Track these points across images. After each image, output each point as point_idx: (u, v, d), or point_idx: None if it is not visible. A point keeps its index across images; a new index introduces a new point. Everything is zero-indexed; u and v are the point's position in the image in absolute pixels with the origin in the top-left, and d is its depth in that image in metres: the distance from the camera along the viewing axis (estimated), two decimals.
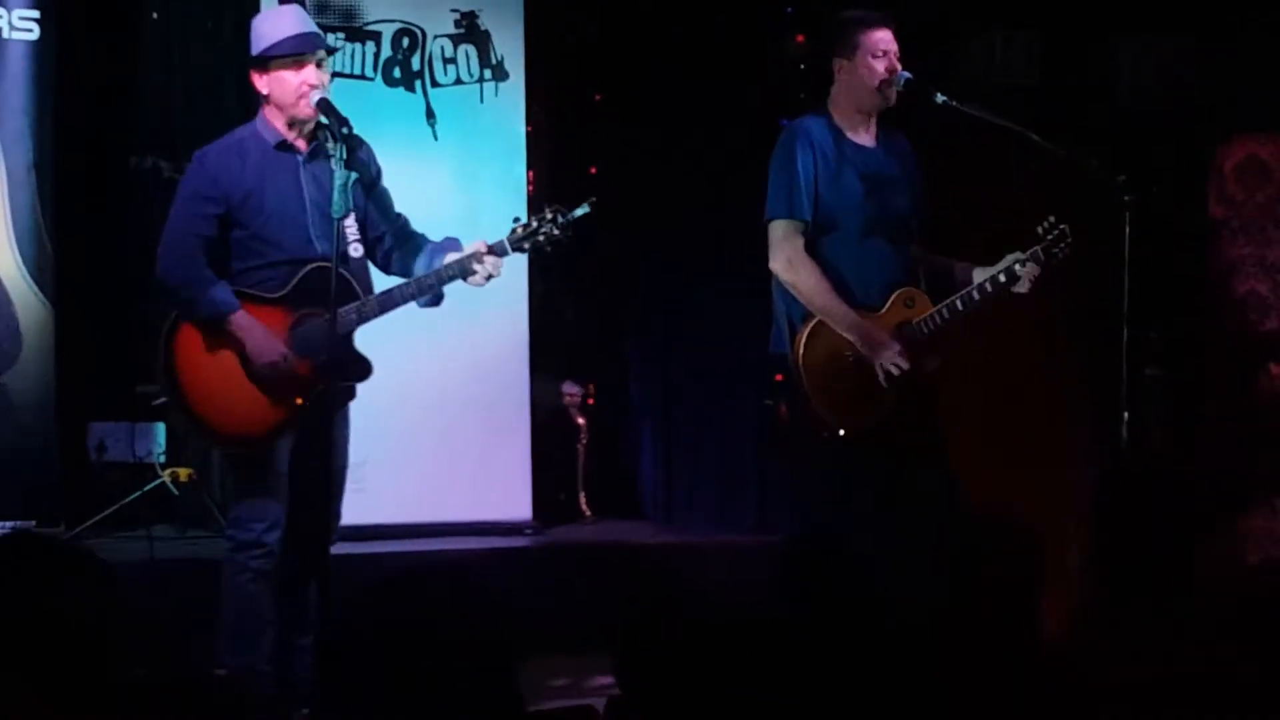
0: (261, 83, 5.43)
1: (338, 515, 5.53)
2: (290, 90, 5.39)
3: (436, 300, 5.48)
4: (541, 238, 5.44)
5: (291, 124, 5.45)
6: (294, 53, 5.40)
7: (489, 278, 5.38)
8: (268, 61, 5.40)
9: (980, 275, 5.73)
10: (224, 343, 5.34)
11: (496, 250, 5.39)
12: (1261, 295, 7.54)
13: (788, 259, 5.68)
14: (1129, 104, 7.75)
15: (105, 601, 2.66)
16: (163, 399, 5.89)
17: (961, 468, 5.84)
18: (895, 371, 5.59)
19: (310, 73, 5.40)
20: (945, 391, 5.85)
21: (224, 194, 5.37)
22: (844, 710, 2.98)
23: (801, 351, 5.62)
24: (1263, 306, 7.53)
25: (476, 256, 5.36)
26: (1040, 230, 5.68)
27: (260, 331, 5.33)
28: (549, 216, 5.44)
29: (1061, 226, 5.68)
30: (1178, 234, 7.44)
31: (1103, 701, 3.05)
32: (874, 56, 5.74)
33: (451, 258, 5.39)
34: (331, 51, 5.68)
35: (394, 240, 5.57)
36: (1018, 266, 5.66)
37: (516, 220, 5.49)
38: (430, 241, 5.56)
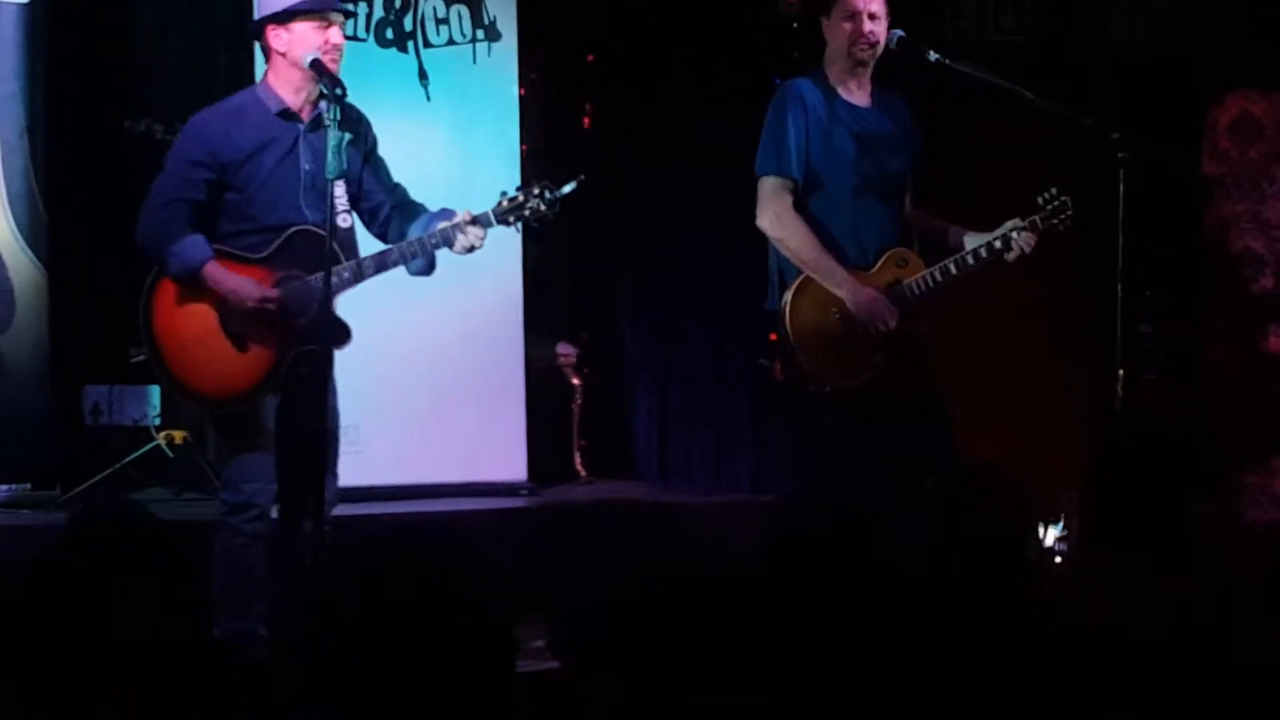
0: (279, 41, 5.33)
1: (335, 478, 5.51)
2: (313, 49, 5.29)
3: (429, 268, 5.46)
4: (527, 212, 5.39)
5: (300, 89, 5.39)
6: (322, 8, 5.33)
7: (471, 248, 5.35)
8: (291, 17, 5.31)
9: (973, 241, 5.71)
10: (201, 300, 5.31)
11: (481, 221, 5.35)
12: (1257, 252, 7.53)
13: (775, 214, 5.67)
14: (1123, 61, 7.72)
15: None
16: (141, 356, 5.87)
17: (956, 425, 5.84)
18: (883, 328, 5.58)
19: (336, 33, 5.33)
20: (939, 348, 5.84)
21: (218, 160, 5.33)
22: (839, 666, 2.99)
23: (789, 308, 5.61)
24: (1258, 263, 7.52)
25: (460, 226, 5.32)
26: (1040, 201, 5.66)
27: (236, 277, 5.29)
28: (535, 192, 5.38)
29: (1063, 198, 5.65)
30: (1172, 190, 7.42)
31: (1094, 657, 3.06)
32: (844, 18, 5.70)
33: (441, 225, 5.36)
34: (349, 16, 5.61)
35: (391, 209, 5.53)
36: (1015, 235, 5.65)
37: (504, 194, 5.43)
38: (428, 211, 5.52)
